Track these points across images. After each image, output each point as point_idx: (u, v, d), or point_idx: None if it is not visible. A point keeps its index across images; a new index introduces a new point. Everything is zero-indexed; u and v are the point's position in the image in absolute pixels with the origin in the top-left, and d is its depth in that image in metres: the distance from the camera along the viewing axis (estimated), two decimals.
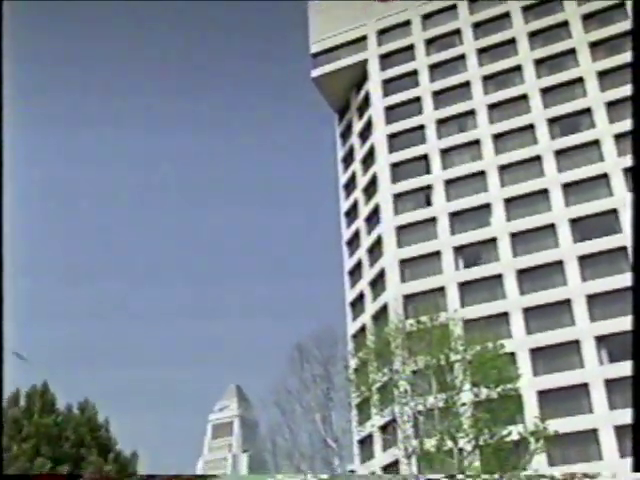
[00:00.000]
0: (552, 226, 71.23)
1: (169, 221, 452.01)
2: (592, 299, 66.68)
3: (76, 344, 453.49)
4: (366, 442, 73.14)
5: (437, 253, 74.95)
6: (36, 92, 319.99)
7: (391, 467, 64.85)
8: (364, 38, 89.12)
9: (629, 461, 55.94)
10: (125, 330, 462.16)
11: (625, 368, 61.23)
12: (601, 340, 65.27)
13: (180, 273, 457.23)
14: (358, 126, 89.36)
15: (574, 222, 70.29)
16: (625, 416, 59.23)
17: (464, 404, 41.52)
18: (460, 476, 36.96)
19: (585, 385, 64.98)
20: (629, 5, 71.63)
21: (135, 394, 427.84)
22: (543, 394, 64.75)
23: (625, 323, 63.07)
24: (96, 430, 41.47)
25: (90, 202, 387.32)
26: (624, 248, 64.35)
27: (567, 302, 68.12)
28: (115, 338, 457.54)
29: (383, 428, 61.33)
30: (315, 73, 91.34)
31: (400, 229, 77.56)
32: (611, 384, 62.43)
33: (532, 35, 79.80)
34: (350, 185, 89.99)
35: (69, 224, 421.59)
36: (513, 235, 72.33)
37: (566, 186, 71.88)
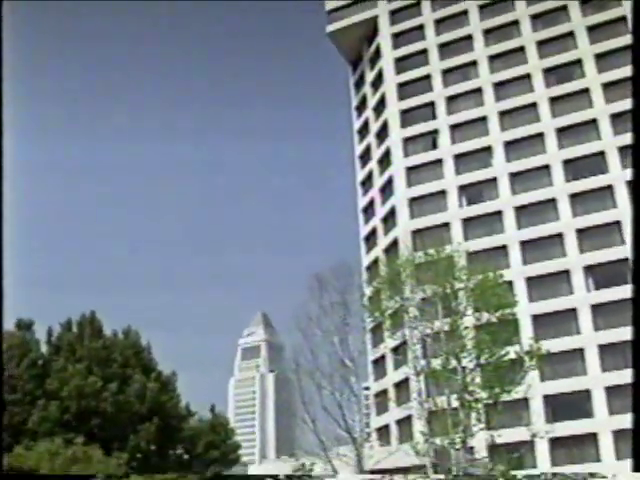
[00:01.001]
0: (547, 167, 71.23)
1: (197, 156, 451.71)
2: (581, 233, 67.06)
3: (119, 273, 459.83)
4: (379, 362, 74.17)
5: (443, 192, 75.09)
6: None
7: (402, 384, 65.83)
8: None
9: (609, 375, 57.65)
10: (164, 260, 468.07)
11: (609, 294, 62.20)
12: (589, 270, 65.81)
13: (212, 210, 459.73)
14: (370, 76, 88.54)
15: (567, 163, 70.29)
16: (609, 337, 60.21)
17: (467, 327, 41.90)
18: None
19: (574, 310, 65.69)
20: None
21: (173, 321, 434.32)
22: (537, 318, 65.32)
23: (610, 254, 64.07)
24: (139, 352, 42.30)
25: None
26: (610, 187, 64.86)
27: (559, 235, 68.52)
28: (154, 267, 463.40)
29: (394, 349, 61.95)
30: (330, 28, 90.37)
31: (409, 170, 77.50)
32: (597, 309, 63.12)
33: None
34: (363, 131, 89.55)
35: None
36: (512, 175, 72.34)
37: (560, 130, 71.63)
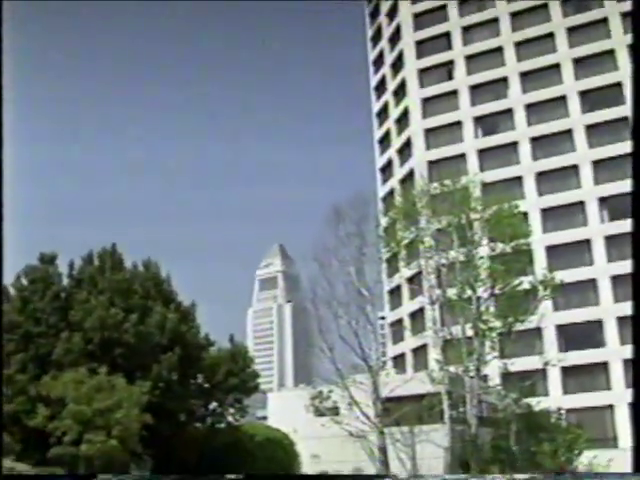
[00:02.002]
0: (563, 98, 70.19)
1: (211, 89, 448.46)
2: (597, 164, 66.37)
3: (135, 204, 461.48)
4: (395, 292, 74.61)
5: (458, 123, 74.35)
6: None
7: (417, 313, 66.28)
8: None
9: (621, 306, 57.56)
10: (183, 193, 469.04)
11: (623, 226, 61.74)
12: (603, 201, 65.33)
13: (228, 143, 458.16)
14: (385, 6, 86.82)
15: (583, 94, 69.26)
16: (621, 268, 60.12)
17: (482, 257, 41.90)
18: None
19: (588, 241, 65.53)
20: None
21: (192, 254, 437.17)
22: (551, 249, 65.28)
23: (625, 186, 63.25)
24: (159, 284, 42.59)
25: None
26: (626, 118, 63.71)
27: (574, 167, 68.00)
28: (172, 200, 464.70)
29: (410, 280, 62.21)
30: None
31: (425, 101, 76.66)
32: (610, 240, 62.81)
33: None
34: (378, 62, 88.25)
35: None
36: (528, 106, 71.47)
37: (577, 61, 70.43)
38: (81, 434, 30.56)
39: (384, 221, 49.51)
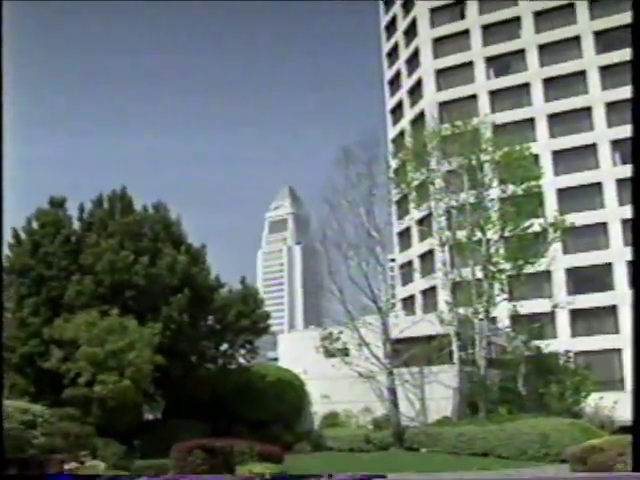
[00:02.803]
0: (577, 38, 68.83)
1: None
2: (610, 106, 65.11)
3: (149, 152, 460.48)
4: (404, 234, 74.47)
5: (470, 63, 73.07)
6: None
7: (426, 255, 66.24)
8: None
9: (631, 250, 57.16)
10: (192, 137, 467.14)
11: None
12: (616, 144, 64.21)
13: (239, 85, 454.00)
14: None
15: (598, 35, 67.88)
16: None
17: (492, 200, 41.61)
18: None
19: (599, 184, 64.91)
20: None
21: (202, 194, 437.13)
22: (562, 192, 64.78)
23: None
24: (169, 227, 42.39)
25: None
26: None
27: (587, 109, 67.00)
28: (183, 144, 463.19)
29: (420, 222, 62.06)
30: None
31: (436, 41, 75.22)
32: (621, 183, 61.93)
33: None
34: (389, 1, 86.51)
35: None
36: (541, 47, 70.13)
37: (592, 1, 68.69)
38: (94, 375, 30.72)
39: (394, 163, 49.15)
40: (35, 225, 39.54)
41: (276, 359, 52.04)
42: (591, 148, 66.11)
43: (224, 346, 42.42)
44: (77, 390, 31.41)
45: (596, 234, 63.41)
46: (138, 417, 36.92)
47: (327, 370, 42.72)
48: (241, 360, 43.07)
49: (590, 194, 64.95)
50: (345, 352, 41.68)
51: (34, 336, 35.80)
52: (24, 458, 24.43)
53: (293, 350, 47.08)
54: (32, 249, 38.35)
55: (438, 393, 40.45)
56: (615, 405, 39.37)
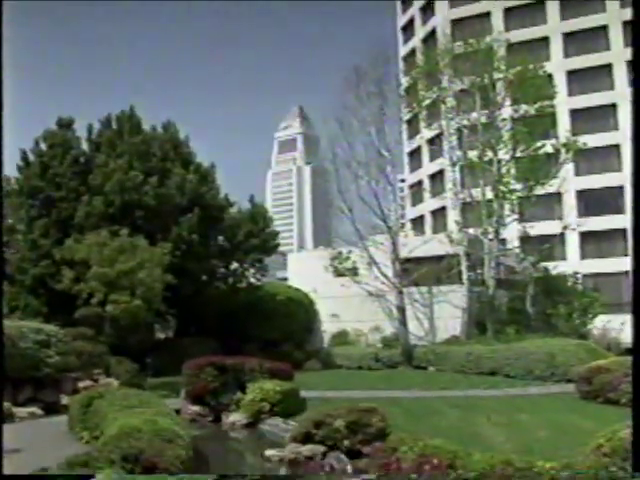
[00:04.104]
0: None
1: None
2: (627, 25, 63.21)
3: (157, 71, 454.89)
4: (415, 154, 73.88)
5: None
6: None
7: (437, 175, 65.81)
8: None
9: None
10: (200, 57, 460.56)
11: None
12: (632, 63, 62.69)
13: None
14: None
15: None
16: None
17: (504, 119, 40.95)
18: None
19: (613, 105, 63.66)
20: None
21: (210, 119, 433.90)
22: (575, 113, 63.86)
23: None
24: (178, 146, 42.07)
25: None
26: None
27: (604, 28, 65.22)
28: (189, 64, 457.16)
29: (430, 141, 61.40)
30: None
31: None
32: None
33: None
34: None
35: None
36: None
37: None
38: (106, 295, 30.89)
39: (405, 81, 48.24)
40: (43, 147, 39.31)
41: (286, 279, 52.31)
42: (606, 68, 64.66)
43: (234, 265, 42.63)
44: (89, 310, 31.67)
45: (609, 156, 62.58)
46: (150, 336, 37.43)
47: (336, 289, 42.97)
48: (251, 279, 43.33)
49: (604, 116, 63.85)
50: (354, 271, 41.80)
51: (45, 257, 36.01)
52: (39, 377, 24.78)
53: (303, 270, 47.23)
54: (41, 171, 38.22)
55: (447, 313, 40.69)
56: (622, 327, 39.51)
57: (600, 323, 41.83)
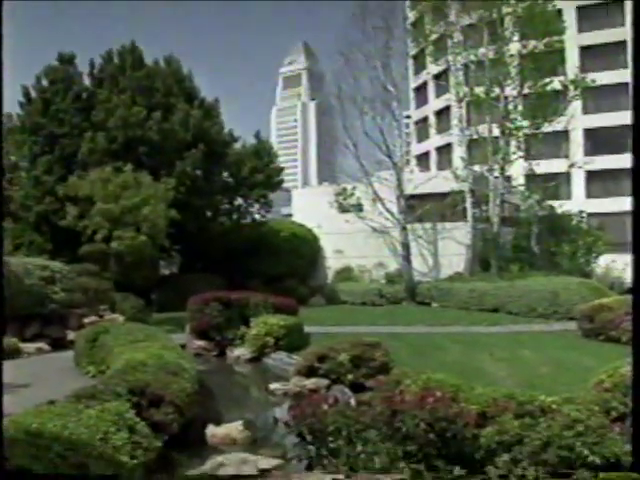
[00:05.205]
0: None
1: None
2: None
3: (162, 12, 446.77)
4: (421, 90, 73.07)
5: None
6: None
7: (443, 112, 65.15)
8: None
9: None
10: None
11: None
12: None
13: None
14: None
15: None
16: None
17: (512, 55, 40.32)
18: None
19: (623, 42, 62.12)
20: None
21: (214, 53, 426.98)
22: (585, 49, 63.10)
23: None
24: (181, 81, 41.58)
25: None
26: None
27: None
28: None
29: (437, 77, 60.60)
30: None
31: None
32: None
33: None
34: None
35: None
36: None
37: None
38: (111, 231, 30.90)
39: (412, 15, 47.42)
40: (45, 82, 38.88)
41: (290, 215, 52.27)
42: (618, 4, 63.23)
43: (238, 201, 42.55)
44: (94, 246, 31.72)
45: (618, 95, 61.56)
46: (155, 272, 37.55)
47: (341, 225, 43.03)
48: (255, 215, 43.30)
49: (614, 53, 62.63)
50: (359, 207, 41.79)
51: (49, 194, 35.96)
52: (45, 313, 24.98)
53: (307, 206, 47.19)
54: (43, 107, 37.91)
55: (451, 249, 40.79)
56: (626, 267, 39.60)
57: (604, 262, 41.89)
